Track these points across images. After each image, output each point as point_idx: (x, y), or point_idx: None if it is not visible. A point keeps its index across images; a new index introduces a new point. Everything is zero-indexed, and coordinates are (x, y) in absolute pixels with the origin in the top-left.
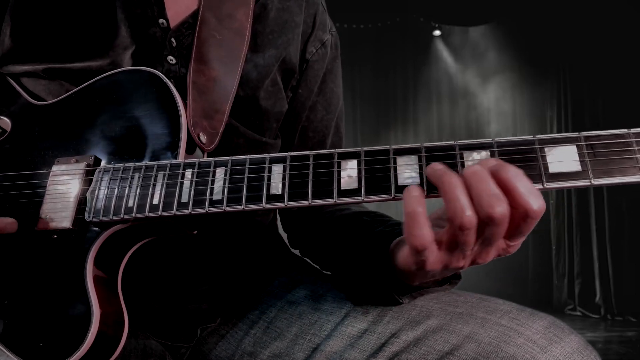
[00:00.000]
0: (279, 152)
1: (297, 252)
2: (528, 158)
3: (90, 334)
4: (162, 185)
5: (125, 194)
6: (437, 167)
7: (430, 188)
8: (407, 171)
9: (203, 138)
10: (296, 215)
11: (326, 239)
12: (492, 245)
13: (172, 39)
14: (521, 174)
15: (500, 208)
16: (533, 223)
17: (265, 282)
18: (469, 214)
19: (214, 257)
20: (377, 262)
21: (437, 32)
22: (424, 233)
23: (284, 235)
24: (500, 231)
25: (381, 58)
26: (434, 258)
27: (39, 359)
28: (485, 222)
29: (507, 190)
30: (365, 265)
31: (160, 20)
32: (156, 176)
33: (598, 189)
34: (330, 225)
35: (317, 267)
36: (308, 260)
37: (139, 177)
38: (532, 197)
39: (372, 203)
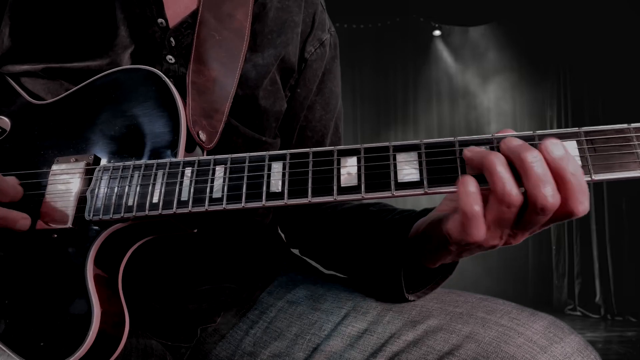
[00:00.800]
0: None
1: (296, 251)
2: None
3: (91, 333)
4: (162, 183)
5: (125, 192)
6: (476, 149)
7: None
8: (406, 168)
9: (202, 136)
10: (294, 213)
11: (330, 235)
12: (530, 229)
13: (171, 39)
14: (580, 169)
15: (554, 200)
16: (567, 218)
17: (265, 282)
18: (516, 193)
19: (214, 257)
20: (393, 249)
21: (437, 32)
22: (480, 233)
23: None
24: (543, 220)
25: (381, 58)
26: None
27: (40, 358)
28: (535, 210)
29: (561, 182)
30: (377, 255)
31: (160, 20)
32: (156, 174)
33: (598, 188)
34: (333, 220)
35: (319, 265)
36: (308, 259)
37: (138, 176)
38: (583, 200)
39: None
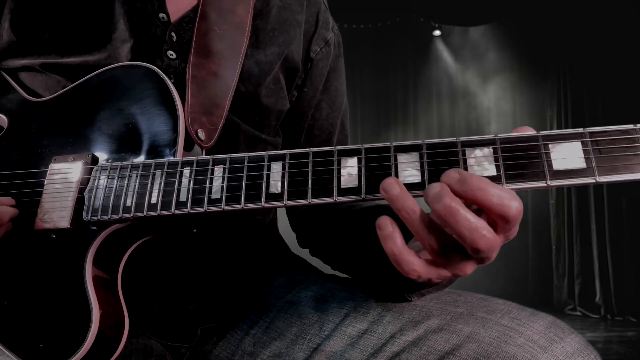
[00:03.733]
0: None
1: (306, 251)
2: (532, 155)
3: (90, 334)
4: (160, 183)
5: (123, 192)
6: (394, 191)
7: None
8: (408, 169)
9: (201, 135)
10: (305, 213)
11: (336, 236)
12: (490, 257)
13: (173, 34)
14: (485, 182)
15: (484, 240)
16: (517, 222)
17: (265, 282)
18: (442, 243)
19: (214, 258)
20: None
21: (437, 32)
22: (415, 267)
23: (284, 235)
24: (493, 247)
25: (381, 58)
26: (437, 276)
27: (39, 359)
28: (475, 253)
29: (479, 204)
30: (377, 257)
31: (161, 15)
32: (154, 174)
33: (598, 188)
34: (339, 221)
35: (328, 266)
36: (319, 259)
37: (136, 175)
38: (507, 203)
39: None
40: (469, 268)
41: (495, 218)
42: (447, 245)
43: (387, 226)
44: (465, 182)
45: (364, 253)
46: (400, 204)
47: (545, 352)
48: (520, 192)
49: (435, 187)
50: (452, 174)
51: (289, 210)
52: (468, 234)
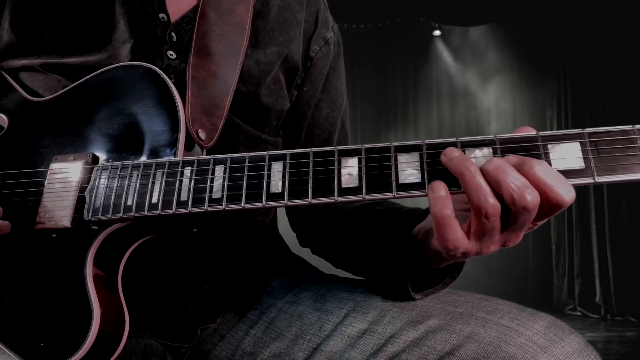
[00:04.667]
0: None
1: (307, 250)
2: (531, 155)
3: (91, 333)
4: (161, 183)
5: (124, 192)
6: (455, 153)
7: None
8: (408, 169)
9: (202, 135)
10: (304, 212)
11: (339, 234)
12: (522, 230)
13: (173, 34)
14: (546, 165)
15: (531, 197)
16: (562, 209)
17: (265, 282)
18: (492, 202)
19: (214, 257)
20: (397, 249)
21: (437, 32)
22: (457, 237)
23: (284, 235)
24: (531, 217)
25: (381, 58)
26: (465, 249)
27: (40, 358)
28: (519, 212)
29: (535, 184)
30: (383, 254)
31: (161, 15)
32: (155, 174)
33: (598, 188)
34: (341, 219)
35: (329, 264)
36: (321, 257)
37: (137, 175)
38: (563, 189)
39: None
40: (497, 244)
41: (549, 200)
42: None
43: (440, 190)
44: (526, 161)
45: (369, 249)
46: (459, 161)
47: (545, 352)
48: None
49: (493, 159)
50: (511, 158)
51: (289, 210)
52: (518, 189)
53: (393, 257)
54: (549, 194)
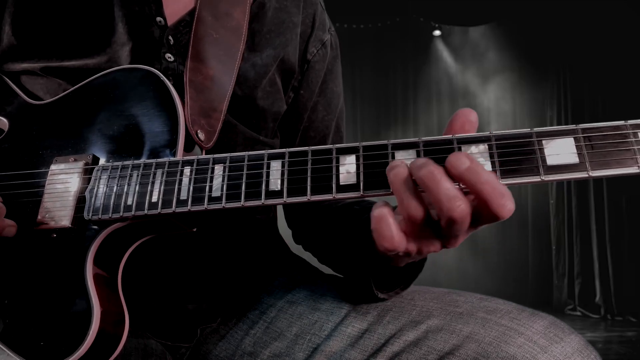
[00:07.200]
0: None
1: (300, 247)
2: (526, 151)
3: (91, 333)
4: (161, 182)
5: (124, 192)
6: (395, 163)
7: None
8: None
9: (201, 135)
10: (298, 209)
11: (322, 232)
12: (457, 237)
13: (170, 37)
14: (491, 176)
15: (460, 210)
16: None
17: (265, 282)
18: (415, 207)
19: (214, 257)
20: (361, 250)
21: (437, 32)
22: (393, 236)
23: (284, 235)
24: (462, 228)
25: (381, 58)
26: (405, 249)
27: (40, 357)
28: (447, 222)
29: (474, 192)
30: (351, 253)
31: (158, 18)
32: (155, 174)
33: (598, 187)
34: (326, 217)
35: (317, 259)
36: (310, 253)
37: (137, 175)
38: (504, 202)
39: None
40: (436, 246)
41: (484, 207)
42: (424, 217)
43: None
44: (472, 165)
45: (340, 247)
46: (391, 168)
47: (545, 352)
48: (520, 192)
49: (421, 159)
50: (459, 159)
51: (285, 207)
52: (446, 201)
53: (358, 255)
54: (488, 205)
